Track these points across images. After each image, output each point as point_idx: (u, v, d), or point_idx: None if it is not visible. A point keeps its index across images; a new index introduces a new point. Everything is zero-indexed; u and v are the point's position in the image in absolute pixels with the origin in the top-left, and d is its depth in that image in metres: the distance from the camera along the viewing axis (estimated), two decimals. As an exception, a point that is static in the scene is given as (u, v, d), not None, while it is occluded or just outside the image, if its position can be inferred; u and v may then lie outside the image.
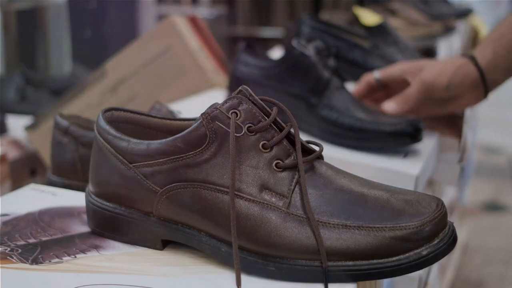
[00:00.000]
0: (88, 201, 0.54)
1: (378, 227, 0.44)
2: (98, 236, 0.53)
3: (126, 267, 0.47)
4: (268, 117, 0.48)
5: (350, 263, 0.44)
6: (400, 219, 0.44)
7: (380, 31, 1.20)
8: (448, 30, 1.77)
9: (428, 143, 0.79)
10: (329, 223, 0.45)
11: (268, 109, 0.49)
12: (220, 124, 0.48)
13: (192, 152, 0.48)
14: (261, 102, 0.49)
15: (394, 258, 0.44)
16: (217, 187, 0.47)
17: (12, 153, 1.05)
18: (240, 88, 0.49)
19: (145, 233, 0.51)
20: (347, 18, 1.37)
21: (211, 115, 0.48)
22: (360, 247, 0.44)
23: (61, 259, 0.49)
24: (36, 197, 0.60)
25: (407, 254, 0.44)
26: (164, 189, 0.49)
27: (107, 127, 0.52)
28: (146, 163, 0.49)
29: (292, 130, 0.49)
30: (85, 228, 0.54)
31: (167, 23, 1.07)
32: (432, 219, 0.44)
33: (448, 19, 1.94)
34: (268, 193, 0.47)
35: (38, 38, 1.89)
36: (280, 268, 0.45)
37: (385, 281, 0.74)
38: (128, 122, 0.54)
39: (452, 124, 0.86)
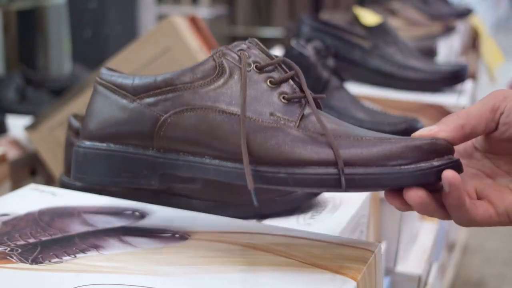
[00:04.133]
0: (76, 149, 0.53)
1: (391, 139, 0.45)
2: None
3: (126, 267, 0.48)
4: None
5: (365, 169, 0.44)
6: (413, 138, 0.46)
7: (380, 31, 1.20)
8: (448, 30, 1.77)
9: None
10: (341, 137, 0.46)
11: (272, 54, 0.51)
12: (230, 60, 0.50)
13: (201, 82, 0.50)
14: (268, 51, 0.51)
15: (408, 166, 0.44)
16: (225, 110, 0.48)
17: (12, 153, 1.05)
18: (248, 40, 0.52)
19: (140, 168, 0.51)
20: (347, 18, 1.37)
21: (221, 51, 0.50)
22: (374, 154, 0.44)
23: (61, 259, 0.49)
24: (36, 197, 0.61)
25: (419, 164, 0.44)
26: (169, 114, 0.50)
27: (111, 72, 0.53)
28: (151, 93, 0.51)
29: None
30: (85, 228, 0.54)
31: (167, 23, 1.07)
32: (445, 141, 0.45)
33: (448, 19, 1.94)
34: (276, 118, 0.48)
35: (38, 38, 1.89)
36: (292, 174, 0.45)
37: (385, 281, 0.75)
38: None
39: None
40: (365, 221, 0.65)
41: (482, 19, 2.47)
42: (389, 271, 0.77)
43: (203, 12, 2.92)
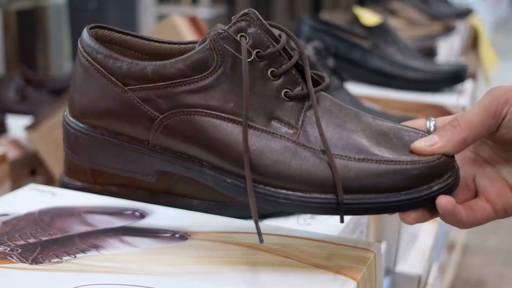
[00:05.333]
0: (66, 126, 0.50)
1: (393, 161, 0.44)
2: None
3: (126, 267, 0.47)
4: (276, 43, 0.46)
5: (364, 196, 0.43)
6: (413, 156, 0.44)
7: (380, 31, 1.20)
8: (448, 30, 1.77)
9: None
10: (343, 157, 0.44)
11: (275, 34, 0.47)
12: (228, 48, 0.45)
13: (197, 77, 0.45)
14: (268, 27, 0.46)
15: (407, 192, 0.43)
16: (224, 114, 0.45)
17: (12, 153, 1.05)
18: (246, 10, 0.47)
19: (137, 162, 0.48)
20: (347, 18, 1.37)
21: (219, 36, 0.45)
22: (374, 181, 0.43)
23: (61, 258, 0.49)
24: (36, 197, 0.60)
25: (419, 189, 0.43)
26: (165, 115, 0.46)
27: (97, 45, 0.47)
28: (143, 86, 0.46)
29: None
30: (85, 228, 0.54)
31: (167, 23, 1.07)
32: (446, 159, 0.44)
33: (448, 19, 1.95)
34: (276, 123, 0.45)
35: (38, 38, 1.89)
36: (292, 200, 0.44)
37: (385, 281, 0.75)
38: (112, 43, 0.50)
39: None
40: (365, 221, 0.65)
41: (482, 19, 2.47)
42: (389, 271, 0.77)
43: (203, 12, 2.91)
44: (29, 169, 1.09)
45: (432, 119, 0.50)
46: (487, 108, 0.45)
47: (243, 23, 0.46)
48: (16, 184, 0.94)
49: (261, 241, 0.43)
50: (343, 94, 0.79)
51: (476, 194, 0.48)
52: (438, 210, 0.44)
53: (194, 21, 1.12)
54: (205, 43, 0.45)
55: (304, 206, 0.44)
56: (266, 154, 0.44)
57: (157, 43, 0.51)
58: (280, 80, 0.46)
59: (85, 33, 0.49)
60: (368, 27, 1.21)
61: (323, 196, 0.44)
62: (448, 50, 1.63)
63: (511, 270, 1.88)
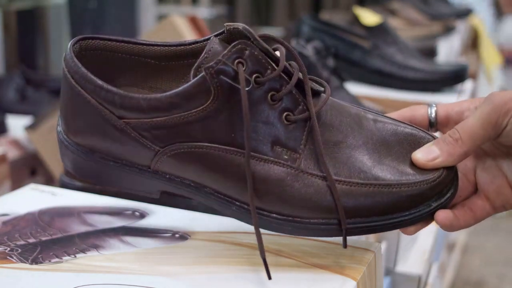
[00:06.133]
0: (65, 145, 0.48)
1: (394, 185, 0.44)
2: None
3: (126, 267, 0.47)
4: (274, 63, 0.44)
5: (366, 220, 0.44)
6: (415, 175, 0.45)
7: (380, 31, 1.20)
8: (448, 30, 1.77)
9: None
10: (345, 182, 0.45)
11: (273, 52, 0.45)
12: (226, 79, 0.43)
13: (195, 110, 0.44)
14: (265, 46, 0.44)
15: (407, 213, 0.44)
16: (226, 147, 0.44)
17: (12, 153, 1.05)
18: (240, 28, 0.44)
19: (140, 184, 0.48)
20: (347, 18, 1.37)
21: (216, 68, 0.43)
22: (376, 206, 0.44)
23: (61, 258, 0.49)
24: (36, 197, 0.60)
25: (418, 208, 0.44)
26: (165, 149, 0.45)
27: (84, 72, 0.45)
28: (140, 121, 0.45)
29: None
30: (85, 228, 0.54)
31: (167, 23, 1.07)
32: (447, 174, 0.45)
33: (448, 19, 1.95)
34: (279, 149, 0.45)
35: (38, 38, 1.89)
36: (297, 228, 0.45)
37: (385, 281, 0.74)
38: (98, 49, 0.48)
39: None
40: (365, 221, 0.65)
41: (482, 19, 2.47)
42: (389, 271, 0.77)
43: (203, 12, 2.91)
44: (29, 169, 1.09)
45: (434, 105, 0.50)
46: (488, 119, 0.45)
47: (239, 46, 0.43)
48: (16, 184, 0.95)
49: (269, 277, 0.44)
50: (343, 94, 0.79)
51: (476, 189, 0.48)
52: (436, 223, 0.45)
53: (194, 21, 1.12)
54: (200, 75, 0.43)
55: (309, 230, 0.46)
56: (269, 183, 0.45)
57: (144, 46, 0.50)
58: (281, 103, 0.45)
59: (68, 54, 0.46)
60: (368, 27, 1.21)
61: (326, 221, 0.45)
62: (448, 50, 1.63)
63: (511, 270, 1.88)
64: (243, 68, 0.43)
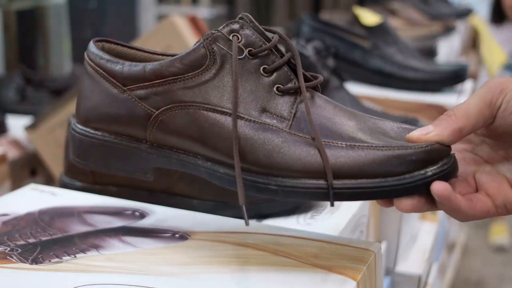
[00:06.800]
0: (73, 133, 0.53)
1: (384, 147, 0.44)
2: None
3: (126, 267, 0.48)
4: (268, 43, 0.48)
5: (355, 181, 0.43)
6: (406, 143, 0.44)
7: (380, 31, 1.20)
8: (448, 30, 1.77)
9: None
10: (333, 143, 0.45)
11: (269, 36, 0.49)
12: (221, 46, 0.48)
13: (191, 74, 0.48)
14: (262, 28, 0.49)
15: (400, 177, 0.43)
16: (217, 107, 0.47)
17: (12, 153, 1.05)
18: (240, 15, 0.49)
19: (136, 161, 0.50)
20: (347, 18, 1.37)
21: (212, 36, 0.48)
22: (365, 165, 0.43)
23: (61, 259, 0.49)
24: (36, 197, 0.61)
25: (412, 174, 0.43)
26: (160, 111, 0.48)
27: (100, 53, 0.51)
28: (141, 85, 0.49)
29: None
30: (85, 228, 0.54)
31: (167, 23, 1.07)
32: (441, 146, 0.44)
33: (448, 19, 1.95)
34: (268, 116, 0.47)
35: (38, 38, 1.89)
36: (283, 187, 0.45)
37: (385, 281, 0.75)
38: (118, 56, 0.53)
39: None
40: (365, 221, 0.65)
41: (482, 19, 2.47)
42: (389, 271, 0.77)
43: (203, 12, 2.92)
44: (29, 169, 1.09)
45: None
46: (483, 98, 0.45)
47: (237, 25, 0.48)
48: (16, 184, 0.94)
49: (247, 224, 0.44)
50: (343, 94, 0.79)
51: (476, 190, 0.47)
52: (434, 196, 0.43)
53: (194, 21, 1.12)
54: (199, 42, 0.48)
55: (295, 192, 0.45)
56: (256, 143, 0.46)
57: (160, 56, 0.53)
58: (273, 77, 0.48)
59: (91, 45, 0.53)
60: (368, 27, 1.21)
61: (313, 181, 0.44)
62: (448, 50, 1.63)
63: (511, 270, 1.88)
64: (238, 41, 0.48)
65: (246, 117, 0.46)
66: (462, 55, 1.99)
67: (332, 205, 0.44)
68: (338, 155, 0.44)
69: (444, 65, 1.20)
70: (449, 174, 0.44)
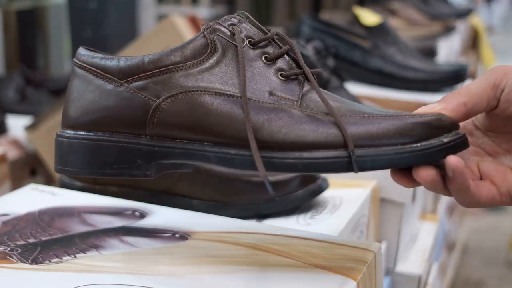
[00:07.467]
0: (59, 140, 0.50)
1: (398, 116, 0.44)
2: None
3: (126, 267, 0.48)
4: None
5: (375, 149, 0.43)
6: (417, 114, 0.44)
7: (380, 31, 1.20)
8: (448, 30, 1.77)
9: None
10: (347, 116, 0.44)
11: (266, 30, 0.49)
12: (222, 36, 0.48)
13: (192, 61, 0.47)
14: (259, 24, 0.49)
15: (418, 144, 0.43)
16: (222, 91, 0.46)
17: (12, 153, 1.05)
18: (237, 13, 0.50)
19: (134, 158, 0.48)
20: (347, 18, 1.37)
21: (212, 27, 0.48)
22: (384, 133, 0.43)
23: (61, 259, 0.49)
24: (36, 197, 0.61)
25: (428, 141, 0.43)
26: (162, 99, 0.47)
27: (92, 53, 0.50)
28: (140, 76, 0.48)
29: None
30: (85, 228, 0.54)
31: (167, 23, 1.07)
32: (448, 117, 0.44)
33: (448, 19, 1.95)
34: (276, 98, 0.46)
35: (38, 38, 1.89)
36: (301, 159, 0.44)
37: (385, 281, 0.75)
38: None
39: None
40: (365, 221, 0.65)
41: (482, 19, 2.47)
42: (389, 271, 0.77)
43: (203, 12, 2.91)
44: (29, 169, 1.09)
45: None
46: (486, 80, 0.45)
47: (234, 19, 0.49)
48: (16, 184, 0.94)
49: (272, 191, 0.45)
50: (343, 94, 0.79)
51: (481, 179, 0.48)
52: (447, 170, 0.43)
53: (194, 21, 1.12)
54: (199, 34, 0.48)
55: (316, 164, 0.44)
56: (268, 122, 0.45)
57: None
58: (275, 64, 0.48)
59: (80, 49, 0.51)
60: (368, 27, 1.21)
61: (333, 152, 0.44)
62: (448, 50, 1.63)
63: (511, 270, 1.88)
64: (238, 31, 0.48)
65: (255, 98, 0.46)
66: (462, 55, 1.99)
67: (356, 172, 0.43)
68: (355, 125, 0.44)
69: (444, 65, 1.20)
70: (462, 143, 0.44)
